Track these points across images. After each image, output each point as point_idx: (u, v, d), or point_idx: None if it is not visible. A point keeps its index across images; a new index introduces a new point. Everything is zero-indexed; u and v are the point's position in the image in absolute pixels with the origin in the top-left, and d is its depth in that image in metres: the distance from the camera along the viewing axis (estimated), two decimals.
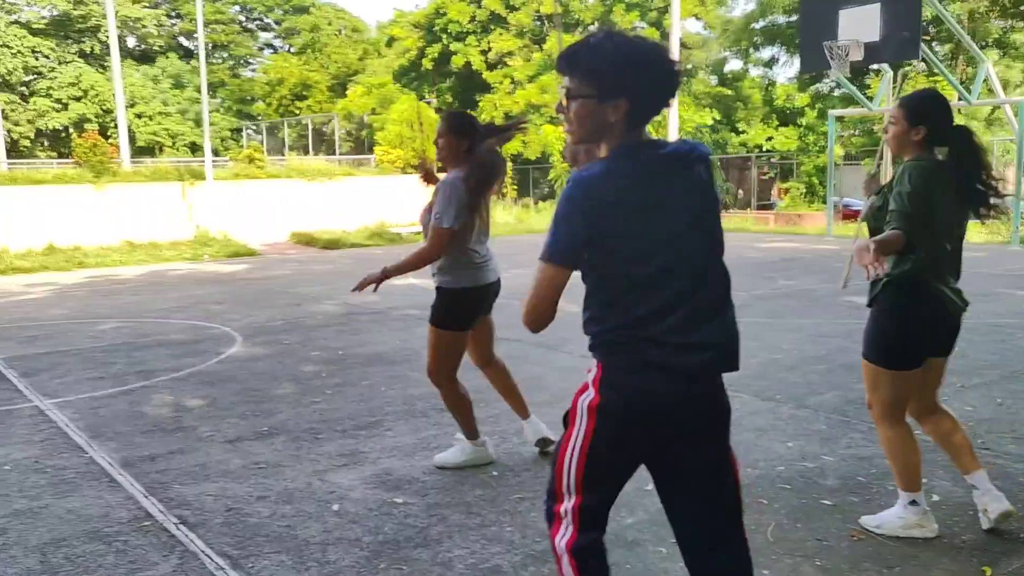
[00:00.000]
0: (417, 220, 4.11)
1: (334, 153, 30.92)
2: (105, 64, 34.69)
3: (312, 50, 43.71)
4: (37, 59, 39.45)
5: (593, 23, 32.45)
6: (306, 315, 9.01)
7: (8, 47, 38.49)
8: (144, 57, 44.46)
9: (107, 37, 38.85)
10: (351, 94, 34.77)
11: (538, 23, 32.22)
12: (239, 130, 40.85)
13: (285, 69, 41.45)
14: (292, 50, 45.96)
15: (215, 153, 34.79)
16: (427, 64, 32.69)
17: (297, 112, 38.77)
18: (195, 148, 39.66)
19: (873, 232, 3.14)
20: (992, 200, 3.08)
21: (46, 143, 40.28)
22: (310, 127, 34.23)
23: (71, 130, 37.34)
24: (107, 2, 22.20)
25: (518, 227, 22.25)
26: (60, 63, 39.96)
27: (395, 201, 20.34)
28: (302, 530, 3.42)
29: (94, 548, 3.27)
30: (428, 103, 28.87)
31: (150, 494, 3.81)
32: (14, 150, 37.28)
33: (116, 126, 27.31)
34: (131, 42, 44.87)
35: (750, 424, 4.72)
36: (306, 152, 31.67)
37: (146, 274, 13.56)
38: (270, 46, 50.26)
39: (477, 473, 4.02)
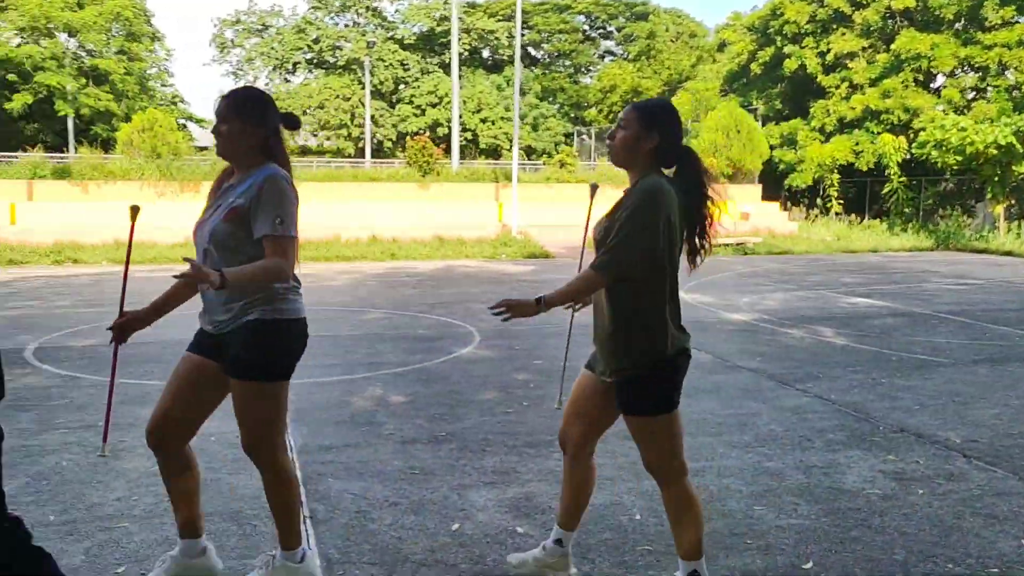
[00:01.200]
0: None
1: None
2: (460, 73, 38.08)
3: (647, 57, 44.11)
4: (406, 70, 44.47)
5: (960, 20, 28.72)
6: (552, 321, 8.99)
7: (383, 60, 43.90)
8: (494, 66, 48.08)
9: (465, 49, 42.94)
10: (676, 101, 34.53)
11: (890, 19, 29.21)
12: (572, 135, 42.56)
13: (618, 76, 42.33)
14: (628, 57, 46.85)
15: (547, 156, 36.65)
16: (756, 69, 31.31)
17: None
18: (530, 152, 42.07)
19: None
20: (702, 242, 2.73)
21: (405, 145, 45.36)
22: None
23: (425, 133, 41.56)
24: (452, 18, 24.38)
25: (834, 246, 20.36)
26: (423, 73, 44.66)
27: None
28: (409, 545, 3.39)
29: (226, 527, 3.52)
30: (751, 110, 27.59)
31: (304, 483, 4.01)
32: (379, 150, 42.45)
33: (462, 130, 29.93)
34: (485, 53, 48.78)
35: (984, 508, 3.83)
36: None
37: (438, 269, 14.55)
38: (610, 53, 51.74)
39: (618, 513, 3.70)
